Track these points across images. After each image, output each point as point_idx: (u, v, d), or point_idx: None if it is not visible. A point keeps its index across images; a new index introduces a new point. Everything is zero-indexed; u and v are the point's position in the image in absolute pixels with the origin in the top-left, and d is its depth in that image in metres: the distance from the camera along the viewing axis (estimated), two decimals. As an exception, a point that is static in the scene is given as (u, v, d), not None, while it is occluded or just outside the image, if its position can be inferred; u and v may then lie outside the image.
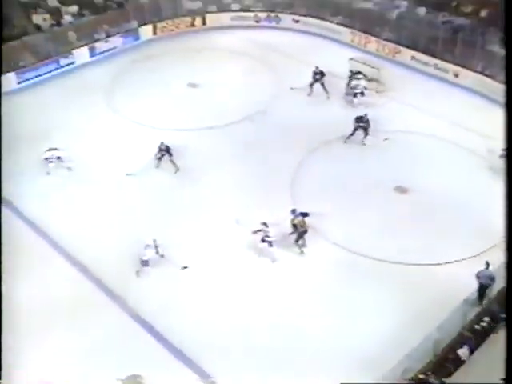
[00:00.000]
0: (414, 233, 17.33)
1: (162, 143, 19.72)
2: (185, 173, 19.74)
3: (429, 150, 21.01)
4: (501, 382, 8.68)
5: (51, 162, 19.49)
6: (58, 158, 19.55)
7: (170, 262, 16.01)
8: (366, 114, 21.23)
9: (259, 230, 16.33)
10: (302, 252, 16.82)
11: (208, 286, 15.71)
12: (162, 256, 16.01)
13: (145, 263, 15.97)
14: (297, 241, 16.84)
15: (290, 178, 19.49)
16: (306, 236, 16.89)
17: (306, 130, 21.67)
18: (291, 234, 16.88)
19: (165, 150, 19.70)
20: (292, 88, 24.37)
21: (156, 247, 15.96)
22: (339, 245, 16.99)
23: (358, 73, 24.24)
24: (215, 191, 18.77)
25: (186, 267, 16.08)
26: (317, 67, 24.03)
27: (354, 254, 16.66)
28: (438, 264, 16.29)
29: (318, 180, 19.58)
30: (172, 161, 19.69)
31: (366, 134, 21.09)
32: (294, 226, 16.76)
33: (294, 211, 16.81)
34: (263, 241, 16.38)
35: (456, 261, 16.31)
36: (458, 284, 15.24)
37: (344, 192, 19.00)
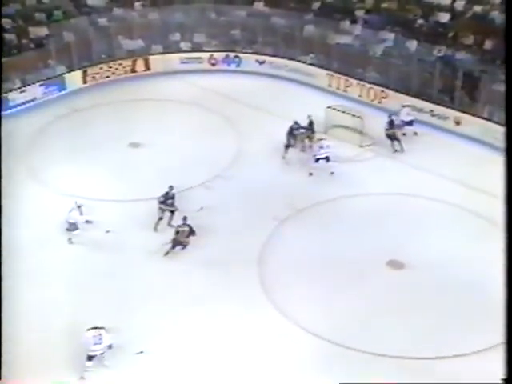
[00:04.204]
0: (412, 319, 17.62)
1: (171, 187, 20.98)
2: (122, 253, 20.10)
3: (427, 215, 21.68)
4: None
5: None
6: None
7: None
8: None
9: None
10: (166, 254, 19.73)
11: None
12: (89, 222, 20.17)
13: (73, 226, 20.02)
14: (173, 247, 19.70)
15: (257, 256, 19.90)
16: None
17: (275, 196, 22.47)
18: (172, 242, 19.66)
19: (171, 198, 21.01)
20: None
21: (79, 208, 20.07)
22: (320, 336, 17.13)
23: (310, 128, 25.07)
24: (165, 274, 19.15)
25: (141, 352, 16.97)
26: (295, 122, 24.75)
27: (338, 347, 16.79)
28: (442, 358, 16.45)
29: (290, 257, 19.89)
30: (172, 212, 21.03)
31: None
32: (177, 232, 19.70)
33: (185, 218, 19.80)
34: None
35: (465, 354, 16.45)
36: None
37: (324, 269, 19.37)
